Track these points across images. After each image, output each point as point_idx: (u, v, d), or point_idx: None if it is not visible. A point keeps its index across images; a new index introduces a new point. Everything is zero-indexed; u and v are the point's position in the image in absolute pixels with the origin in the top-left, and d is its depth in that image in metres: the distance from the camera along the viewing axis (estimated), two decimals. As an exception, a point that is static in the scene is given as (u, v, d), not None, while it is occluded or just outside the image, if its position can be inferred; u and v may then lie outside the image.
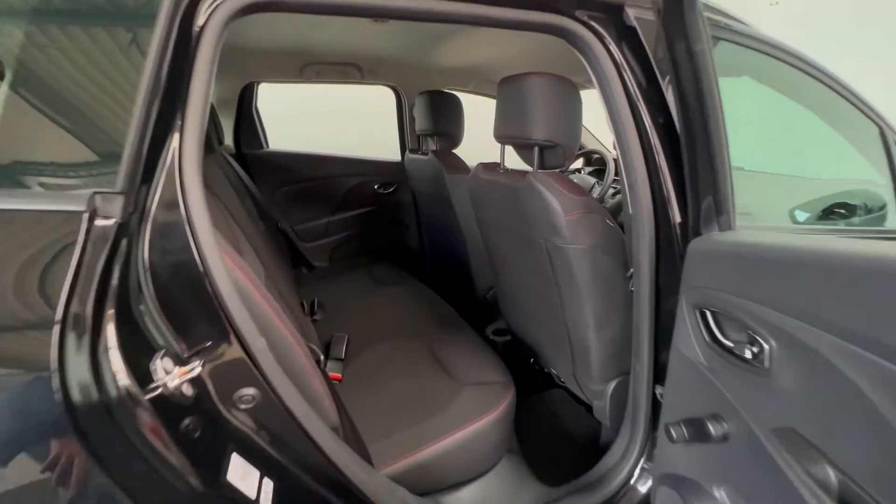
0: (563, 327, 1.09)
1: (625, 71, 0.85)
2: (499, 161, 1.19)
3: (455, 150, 1.80)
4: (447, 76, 2.09)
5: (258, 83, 2.01)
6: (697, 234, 0.75)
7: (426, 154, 1.82)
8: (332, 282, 1.98)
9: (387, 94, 2.23)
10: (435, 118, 1.75)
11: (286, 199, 2.15)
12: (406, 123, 2.23)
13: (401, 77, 2.10)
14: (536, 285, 1.14)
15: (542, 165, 1.02)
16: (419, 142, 2.23)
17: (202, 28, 0.61)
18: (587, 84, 1.72)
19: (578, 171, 2.28)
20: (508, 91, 1.01)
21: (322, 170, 2.20)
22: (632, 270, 0.94)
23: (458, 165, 1.72)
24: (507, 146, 1.13)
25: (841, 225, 1.12)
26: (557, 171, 1.03)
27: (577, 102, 1.01)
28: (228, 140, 2.01)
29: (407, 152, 2.08)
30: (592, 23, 0.83)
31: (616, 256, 0.99)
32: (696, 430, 0.67)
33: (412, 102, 2.11)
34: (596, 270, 0.97)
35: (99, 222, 0.51)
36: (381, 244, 2.41)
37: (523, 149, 1.07)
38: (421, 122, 1.83)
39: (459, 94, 1.75)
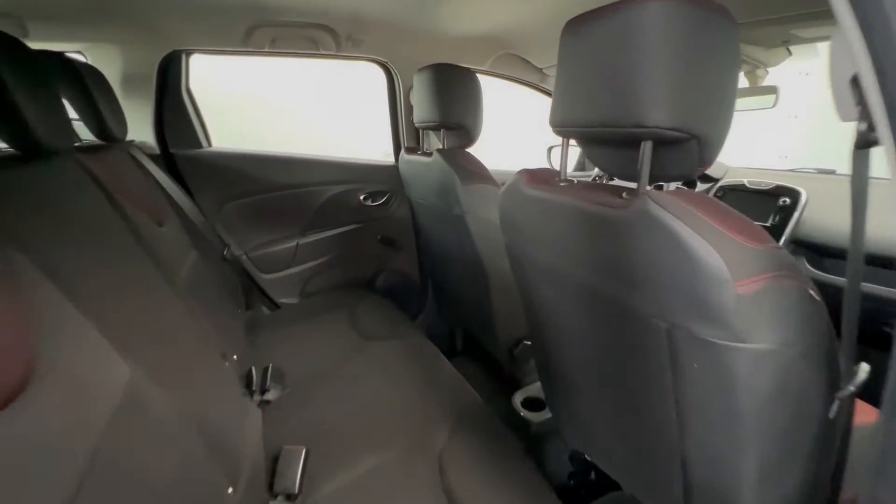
0: (675, 460, 0.64)
1: None
2: (553, 166, 0.72)
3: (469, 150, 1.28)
4: (456, 48, 1.53)
5: (187, 53, 1.43)
6: None
7: (429, 154, 1.29)
8: (299, 329, 1.45)
9: (374, 72, 1.66)
10: (442, 104, 1.22)
11: (238, 217, 1.58)
12: (401, 113, 1.67)
13: (393, 49, 1.54)
14: (633, 386, 0.67)
15: (663, 178, 0.58)
16: (419, 138, 1.67)
17: None
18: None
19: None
20: (594, 36, 0.55)
21: (289, 176, 1.63)
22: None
23: (477, 171, 1.20)
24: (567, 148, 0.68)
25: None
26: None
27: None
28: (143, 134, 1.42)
29: (402, 152, 1.51)
30: None
31: (817, 360, 0.53)
32: None
33: (409, 84, 1.55)
34: (781, 385, 0.52)
35: None
36: (368, 273, 1.85)
37: (619, 147, 0.61)
38: (421, 110, 1.31)
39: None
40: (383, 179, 1.74)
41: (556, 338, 0.82)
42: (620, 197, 0.56)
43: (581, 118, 0.58)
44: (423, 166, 1.32)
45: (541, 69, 1.72)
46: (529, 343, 1.09)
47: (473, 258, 1.24)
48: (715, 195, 1.57)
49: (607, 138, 0.60)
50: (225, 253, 1.46)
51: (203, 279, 1.15)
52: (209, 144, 1.55)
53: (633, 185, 0.57)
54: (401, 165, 1.54)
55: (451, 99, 1.23)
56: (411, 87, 1.53)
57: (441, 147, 1.28)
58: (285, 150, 1.65)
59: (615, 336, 0.66)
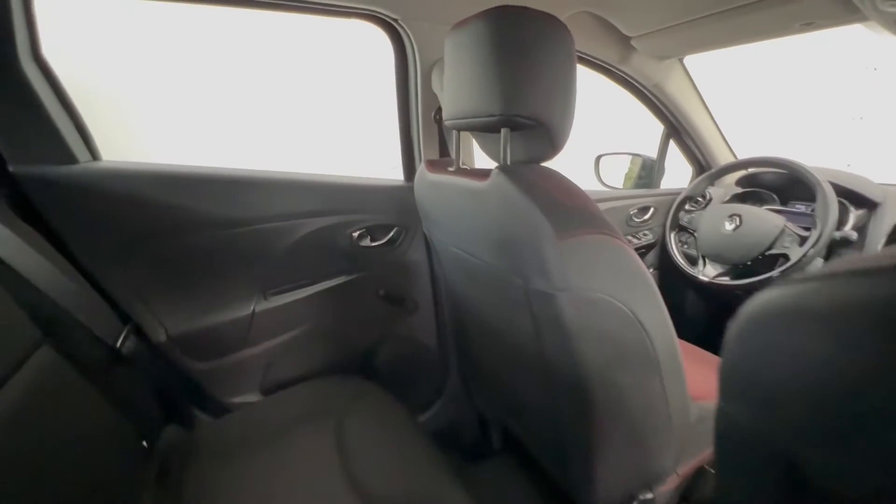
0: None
1: None
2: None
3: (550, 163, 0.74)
4: None
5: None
6: None
7: (475, 174, 0.74)
8: (253, 463, 0.82)
9: (367, 36, 1.06)
10: (507, 83, 0.62)
11: (151, 274, 0.95)
12: (416, 102, 1.08)
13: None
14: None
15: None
16: (446, 142, 1.10)
17: None
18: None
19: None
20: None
21: (239, 205, 1.01)
22: None
23: (579, 208, 0.63)
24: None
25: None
26: None
27: None
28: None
29: (422, 167, 0.91)
30: None
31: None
32: None
33: (432, 54, 0.97)
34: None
35: None
36: (364, 347, 1.23)
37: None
38: (459, 95, 0.71)
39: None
40: (386, 207, 1.14)
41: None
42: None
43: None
44: (465, 195, 0.74)
45: (629, 38, 1.15)
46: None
47: (563, 362, 0.67)
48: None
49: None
50: (119, 342, 0.83)
51: (61, 404, 0.55)
52: (92, 157, 0.91)
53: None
54: (417, 188, 0.94)
55: (527, 73, 0.64)
56: (437, 61, 0.95)
57: (503, 162, 0.69)
58: (230, 166, 1.02)
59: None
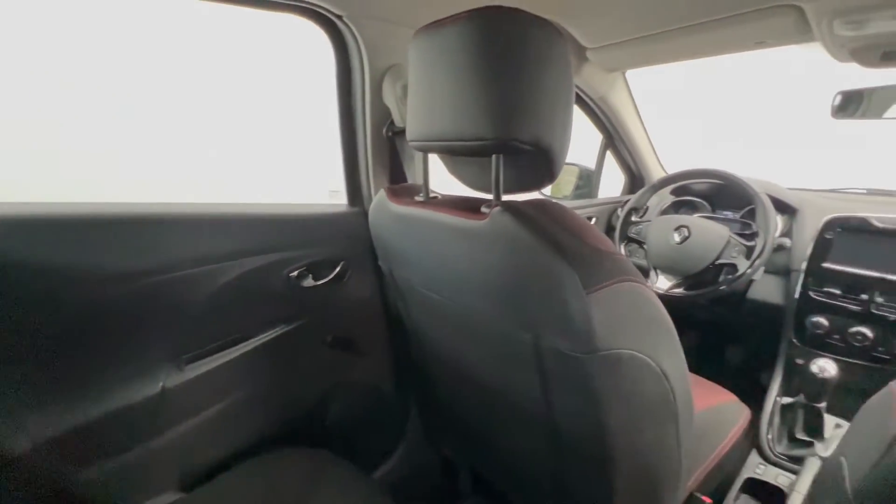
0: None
1: None
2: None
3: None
4: None
5: None
6: None
7: (453, 205, 0.64)
8: None
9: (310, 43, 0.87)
10: (495, 99, 0.51)
11: (23, 352, 0.67)
12: (364, 116, 0.91)
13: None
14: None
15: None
16: (407, 164, 0.95)
17: None
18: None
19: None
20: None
21: (126, 253, 0.75)
22: None
23: (601, 252, 0.53)
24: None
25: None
26: None
27: None
28: None
29: (381, 195, 0.76)
30: None
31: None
32: None
33: (383, 60, 0.82)
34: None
35: None
36: (313, 405, 1.04)
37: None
38: (425, 115, 0.60)
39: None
40: (329, 238, 0.97)
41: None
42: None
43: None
44: (448, 234, 0.61)
45: (584, 49, 1.10)
46: None
47: (577, 422, 0.61)
48: (822, 237, 1.12)
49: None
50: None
51: None
52: None
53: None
54: (375, 220, 0.78)
55: (527, 90, 0.53)
56: (391, 67, 0.80)
57: (495, 193, 0.57)
58: (126, 199, 0.76)
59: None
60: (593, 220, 1.57)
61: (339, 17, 0.79)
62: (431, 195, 0.71)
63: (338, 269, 0.98)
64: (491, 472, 0.93)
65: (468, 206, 0.61)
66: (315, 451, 0.88)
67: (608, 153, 1.63)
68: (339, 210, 0.99)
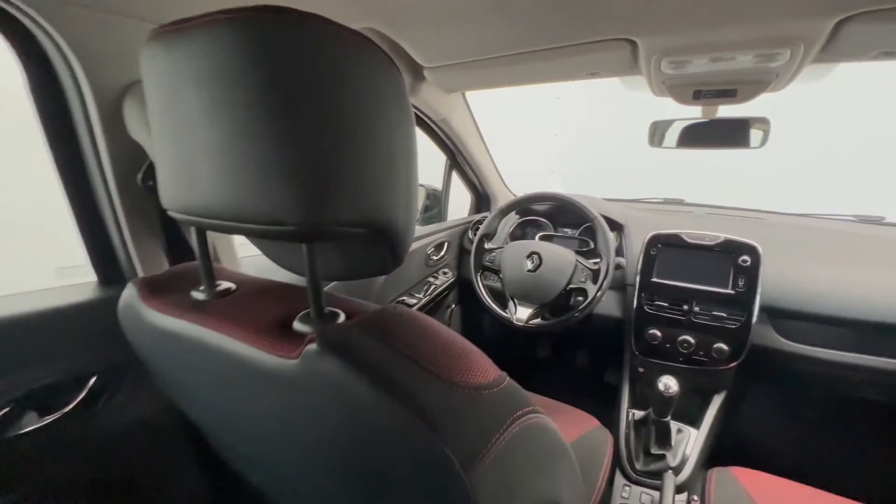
0: None
1: None
2: None
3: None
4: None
5: None
6: None
7: (244, 308, 0.42)
8: None
9: None
10: (298, 165, 0.32)
11: None
12: (95, 156, 0.58)
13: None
14: None
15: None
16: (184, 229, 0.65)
17: None
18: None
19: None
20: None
21: None
22: None
23: (489, 386, 0.36)
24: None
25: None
26: None
27: None
28: None
29: (129, 288, 0.47)
30: None
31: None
32: None
33: (115, 79, 0.52)
34: None
35: None
36: None
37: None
38: (181, 173, 0.37)
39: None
40: (66, 345, 0.61)
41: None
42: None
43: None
44: (240, 372, 0.37)
45: (422, 68, 0.94)
46: None
47: None
48: (648, 253, 1.21)
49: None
50: None
51: None
52: None
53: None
54: (130, 330, 0.49)
55: (338, 137, 0.32)
56: (132, 86, 0.52)
57: (313, 297, 0.37)
58: None
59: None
60: (446, 244, 1.46)
61: (28, 14, 0.45)
62: (225, 283, 0.46)
63: (87, 389, 0.63)
64: None
65: (276, 319, 0.39)
66: None
67: (454, 174, 1.54)
68: (81, 298, 0.63)
